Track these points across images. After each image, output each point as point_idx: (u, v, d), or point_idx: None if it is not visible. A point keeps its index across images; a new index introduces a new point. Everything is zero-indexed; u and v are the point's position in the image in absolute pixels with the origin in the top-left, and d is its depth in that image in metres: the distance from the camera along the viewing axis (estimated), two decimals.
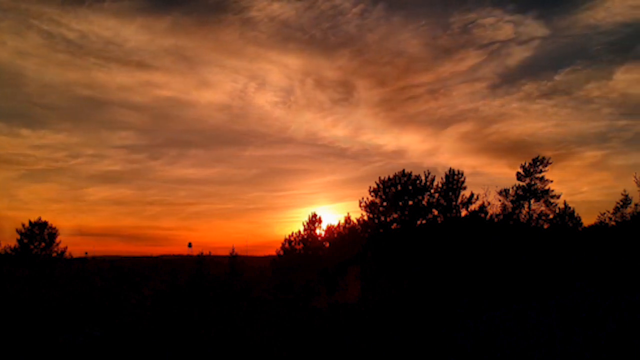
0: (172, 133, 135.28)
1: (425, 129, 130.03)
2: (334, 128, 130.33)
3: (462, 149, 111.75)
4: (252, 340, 16.86)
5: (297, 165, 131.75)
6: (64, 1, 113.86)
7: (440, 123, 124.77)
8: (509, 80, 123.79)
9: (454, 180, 26.90)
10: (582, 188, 72.86)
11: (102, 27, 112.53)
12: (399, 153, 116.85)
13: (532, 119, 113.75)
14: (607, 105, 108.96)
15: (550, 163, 28.85)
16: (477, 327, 13.81)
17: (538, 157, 29.00)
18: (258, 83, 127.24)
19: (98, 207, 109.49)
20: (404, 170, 27.23)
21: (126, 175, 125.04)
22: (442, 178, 27.12)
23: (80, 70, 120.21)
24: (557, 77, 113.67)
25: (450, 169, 27.13)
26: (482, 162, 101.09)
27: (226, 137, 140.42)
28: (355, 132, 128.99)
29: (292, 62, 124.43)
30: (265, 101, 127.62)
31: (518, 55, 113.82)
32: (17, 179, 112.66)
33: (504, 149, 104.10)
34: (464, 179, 27.00)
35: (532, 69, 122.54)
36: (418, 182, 26.89)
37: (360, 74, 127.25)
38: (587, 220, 30.17)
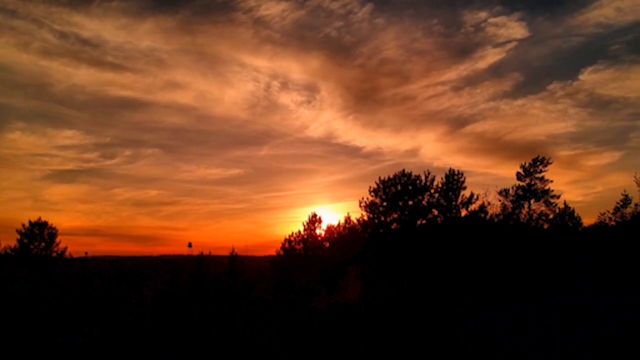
0: (197, 134, 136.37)
1: (441, 128, 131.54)
2: (353, 127, 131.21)
3: (475, 149, 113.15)
4: (252, 340, 16.86)
5: (302, 165, 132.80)
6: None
7: (458, 122, 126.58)
8: (531, 79, 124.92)
9: (454, 180, 26.87)
10: (597, 188, 73.18)
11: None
12: (411, 152, 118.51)
13: (552, 119, 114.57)
14: (626, 106, 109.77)
15: (550, 163, 28.78)
16: (477, 327, 13.80)
17: (538, 156, 28.95)
18: (280, 82, 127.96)
19: (121, 207, 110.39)
20: (403, 170, 27.21)
21: (154, 176, 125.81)
22: (442, 178, 27.12)
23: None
24: (581, 77, 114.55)
25: (450, 169, 27.13)
26: (494, 162, 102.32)
27: (246, 137, 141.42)
28: (373, 131, 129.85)
29: (312, 60, 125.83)
30: (290, 100, 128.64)
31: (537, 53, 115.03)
32: None
33: (518, 149, 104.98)
34: (464, 179, 26.98)
35: (554, 68, 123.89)
36: (418, 182, 26.86)
37: (380, 73, 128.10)
38: (589, 220, 30.24)
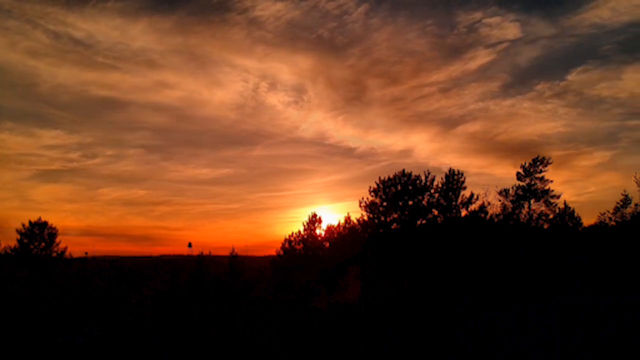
0: (184, 133, 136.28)
1: (433, 128, 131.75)
2: (344, 127, 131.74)
3: (469, 149, 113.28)
4: (252, 340, 16.86)
5: (300, 165, 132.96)
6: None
7: (449, 122, 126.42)
8: (519, 80, 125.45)
9: (454, 180, 26.87)
10: (589, 188, 73.43)
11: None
12: (405, 152, 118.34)
13: (542, 119, 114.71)
14: (616, 106, 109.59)
15: (551, 163, 28.81)
16: (477, 327, 13.80)
17: (538, 157, 28.96)
18: (269, 82, 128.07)
19: (109, 207, 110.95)
20: (404, 170, 27.21)
21: (140, 175, 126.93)
22: (442, 178, 27.13)
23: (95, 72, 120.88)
24: (569, 77, 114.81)
25: (450, 169, 27.13)
26: (488, 162, 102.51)
27: (236, 137, 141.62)
28: (365, 132, 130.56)
29: (302, 61, 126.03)
30: (277, 101, 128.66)
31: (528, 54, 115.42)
32: None
33: (511, 149, 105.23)
34: (464, 179, 26.98)
35: (543, 69, 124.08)
36: (418, 182, 26.85)
37: (370, 73, 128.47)
38: (589, 220, 30.21)
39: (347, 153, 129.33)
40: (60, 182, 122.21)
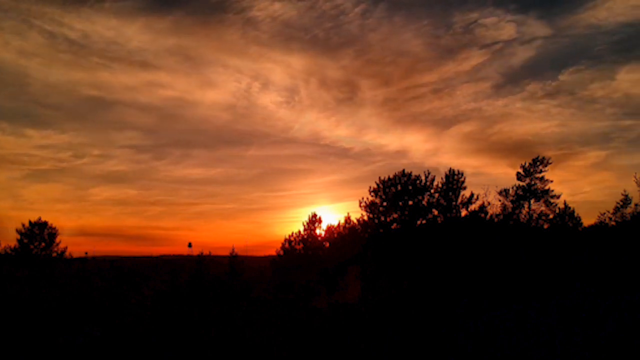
0: (175, 133, 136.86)
1: (428, 129, 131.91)
2: (337, 128, 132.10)
3: (464, 149, 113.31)
4: (252, 340, 16.86)
5: (298, 165, 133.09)
6: (64, 1, 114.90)
7: (442, 123, 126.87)
8: (511, 80, 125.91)
9: (454, 180, 26.86)
10: (584, 188, 73.42)
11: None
12: (401, 153, 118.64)
13: (536, 119, 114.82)
14: (610, 106, 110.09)
15: (550, 163, 28.86)
16: (477, 327, 13.80)
17: (538, 157, 29.00)
18: (261, 83, 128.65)
19: (101, 207, 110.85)
20: (404, 170, 27.22)
21: (130, 175, 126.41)
22: (442, 178, 27.11)
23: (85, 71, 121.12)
24: (561, 77, 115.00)
25: (450, 169, 27.12)
26: (484, 162, 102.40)
27: (229, 137, 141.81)
28: (358, 132, 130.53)
29: (295, 62, 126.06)
30: (269, 101, 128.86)
31: (521, 55, 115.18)
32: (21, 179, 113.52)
33: (506, 149, 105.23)
34: (464, 179, 26.98)
35: (536, 69, 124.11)
36: (418, 182, 26.85)
37: (363, 74, 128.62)
38: (588, 220, 30.19)
39: (342, 153, 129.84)
40: (51, 182, 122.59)
